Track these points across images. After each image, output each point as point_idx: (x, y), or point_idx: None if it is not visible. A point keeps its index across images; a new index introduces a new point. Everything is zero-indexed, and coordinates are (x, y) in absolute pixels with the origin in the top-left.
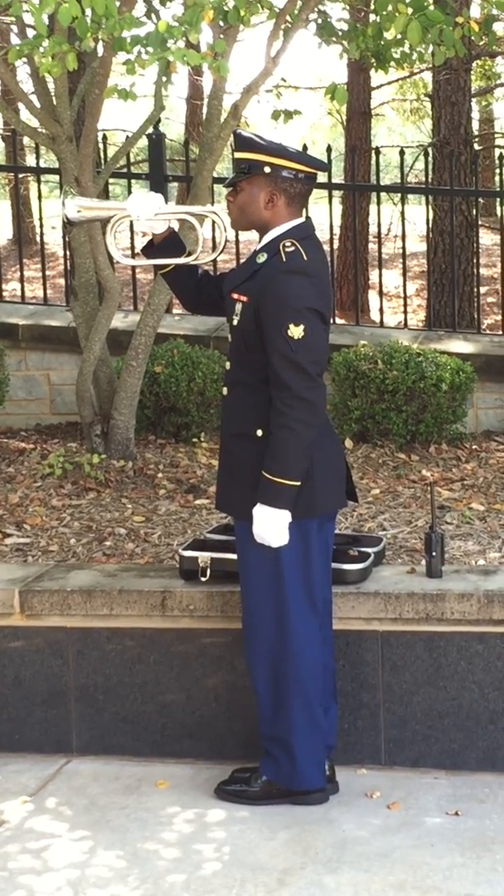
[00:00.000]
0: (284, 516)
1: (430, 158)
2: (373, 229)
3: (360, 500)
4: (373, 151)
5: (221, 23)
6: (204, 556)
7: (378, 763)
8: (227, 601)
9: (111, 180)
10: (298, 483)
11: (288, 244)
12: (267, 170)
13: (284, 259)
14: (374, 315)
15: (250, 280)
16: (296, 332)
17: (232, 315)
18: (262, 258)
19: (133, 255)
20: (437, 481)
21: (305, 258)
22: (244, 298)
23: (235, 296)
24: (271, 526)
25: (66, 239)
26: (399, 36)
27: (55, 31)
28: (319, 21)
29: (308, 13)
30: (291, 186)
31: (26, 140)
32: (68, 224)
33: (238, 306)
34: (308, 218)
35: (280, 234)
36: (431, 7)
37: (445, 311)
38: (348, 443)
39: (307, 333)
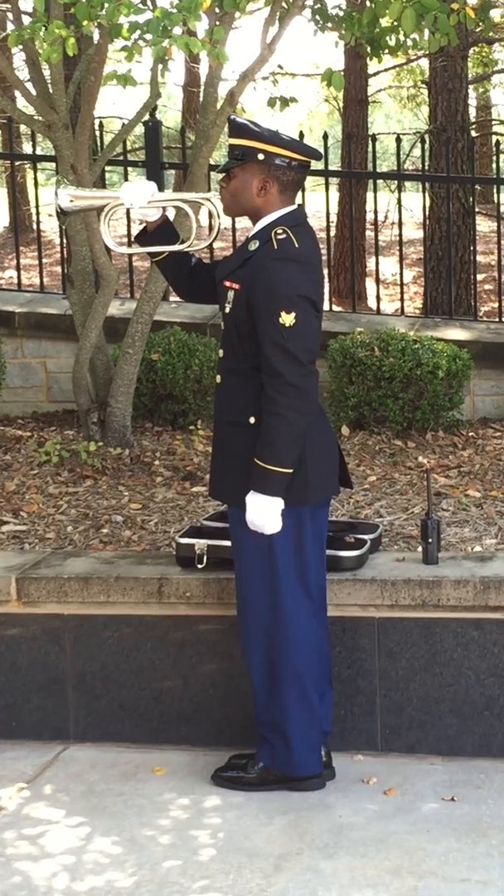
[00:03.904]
0: (277, 503)
1: (426, 146)
2: (369, 216)
3: (357, 487)
4: (370, 139)
5: (217, 9)
6: (200, 544)
7: (374, 749)
8: (224, 588)
9: (107, 168)
10: (291, 470)
11: (279, 231)
12: (260, 157)
13: (276, 246)
14: (371, 302)
15: (242, 268)
16: (287, 319)
17: (224, 303)
18: (254, 245)
19: (129, 244)
20: (433, 468)
21: (297, 245)
22: (236, 286)
23: (227, 283)
24: (264, 513)
25: (63, 227)
26: (394, 23)
27: (52, 16)
28: (316, 6)
29: (304, 0)
30: (284, 174)
31: (22, 128)
32: (62, 214)
33: (230, 294)
34: (300, 205)
35: (272, 221)
36: None
37: (442, 299)
38: (345, 430)
39: (298, 321)
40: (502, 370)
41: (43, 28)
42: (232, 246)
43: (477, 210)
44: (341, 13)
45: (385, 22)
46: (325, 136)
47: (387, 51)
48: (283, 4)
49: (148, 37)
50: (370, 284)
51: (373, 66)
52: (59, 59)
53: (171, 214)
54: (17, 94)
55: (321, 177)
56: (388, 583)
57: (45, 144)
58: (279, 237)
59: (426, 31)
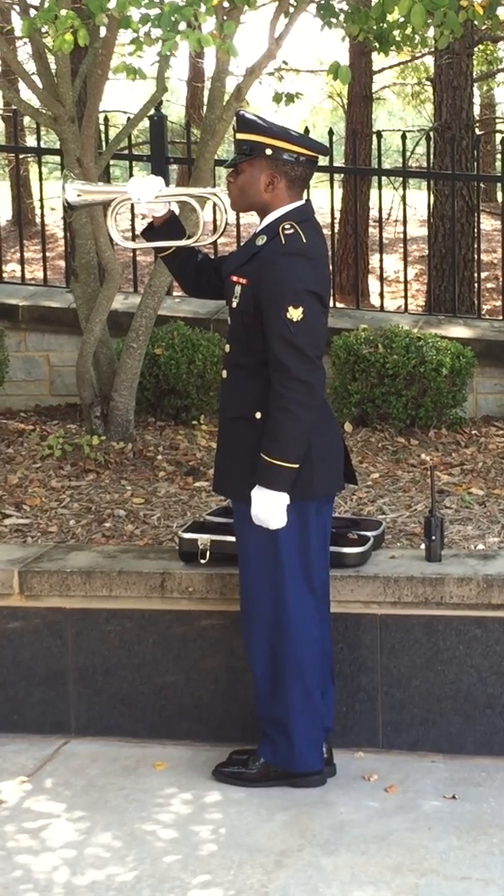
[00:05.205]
0: (283, 499)
1: (431, 143)
2: (373, 213)
3: (360, 484)
4: (374, 135)
5: (226, 3)
6: (203, 539)
7: (376, 746)
8: (227, 584)
9: (112, 162)
10: (297, 465)
11: (287, 227)
12: (268, 152)
13: (284, 241)
14: (374, 299)
15: (249, 262)
16: (295, 314)
17: (231, 298)
18: (261, 241)
19: (133, 238)
20: (436, 465)
21: (305, 241)
22: (243, 281)
23: (235, 278)
24: (269, 508)
25: (67, 220)
26: (401, 19)
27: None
28: (322, 2)
29: None
30: (292, 169)
31: (27, 120)
32: (69, 208)
33: (237, 289)
34: (308, 201)
35: (279, 216)
36: None
37: (445, 296)
38: (348, 426)
39: (306, 316)
40: None
41: (54, 17)
42: (237, 242)
43: (480, 208)
44: (347, 10)
45: (392, 18)
46: (330, 133)
47: (394, 46)
48: (291, 0)
49: (157, 32)
50: (373, 281)
51: (377, 62)
52: (70, 48)
53: (175, 209)
54: (23, 86)
55: (326, 173)
56: (391, 580)
57: (49, 138)
58: (287, 232)
59: (432, 28)
